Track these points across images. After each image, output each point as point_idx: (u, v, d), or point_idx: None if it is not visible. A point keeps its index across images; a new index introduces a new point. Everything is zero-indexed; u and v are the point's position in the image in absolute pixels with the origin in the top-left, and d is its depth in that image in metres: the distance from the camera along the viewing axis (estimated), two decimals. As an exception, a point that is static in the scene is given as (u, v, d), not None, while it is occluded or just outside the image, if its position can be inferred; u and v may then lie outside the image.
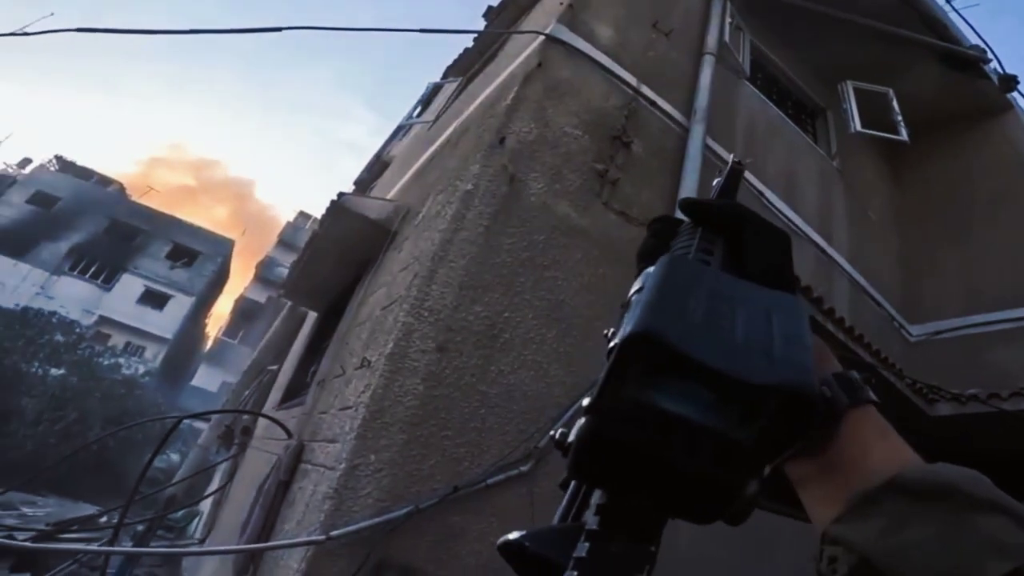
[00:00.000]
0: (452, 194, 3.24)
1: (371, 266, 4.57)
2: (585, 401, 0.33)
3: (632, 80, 4.21)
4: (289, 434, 3.88)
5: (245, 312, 31.02)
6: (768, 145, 5.61)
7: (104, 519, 7.60)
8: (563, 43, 3.93)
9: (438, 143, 5.12)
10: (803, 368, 0.31)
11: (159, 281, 26.89)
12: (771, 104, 5.96)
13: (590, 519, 0.34)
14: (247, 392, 10.77)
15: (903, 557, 0.35)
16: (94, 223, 27.01)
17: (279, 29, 3.98)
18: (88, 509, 12.14)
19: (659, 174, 3.97)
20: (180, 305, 26.71)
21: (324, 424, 3.16)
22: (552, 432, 0.36)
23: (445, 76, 9.25)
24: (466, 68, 8.91)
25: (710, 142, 4.38)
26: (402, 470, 2.47)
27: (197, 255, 28.75)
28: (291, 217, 36.46)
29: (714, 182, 0.59)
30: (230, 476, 6.73)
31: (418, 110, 9.46)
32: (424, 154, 5.89)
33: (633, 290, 0.46)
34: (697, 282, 0.36)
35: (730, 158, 0.60)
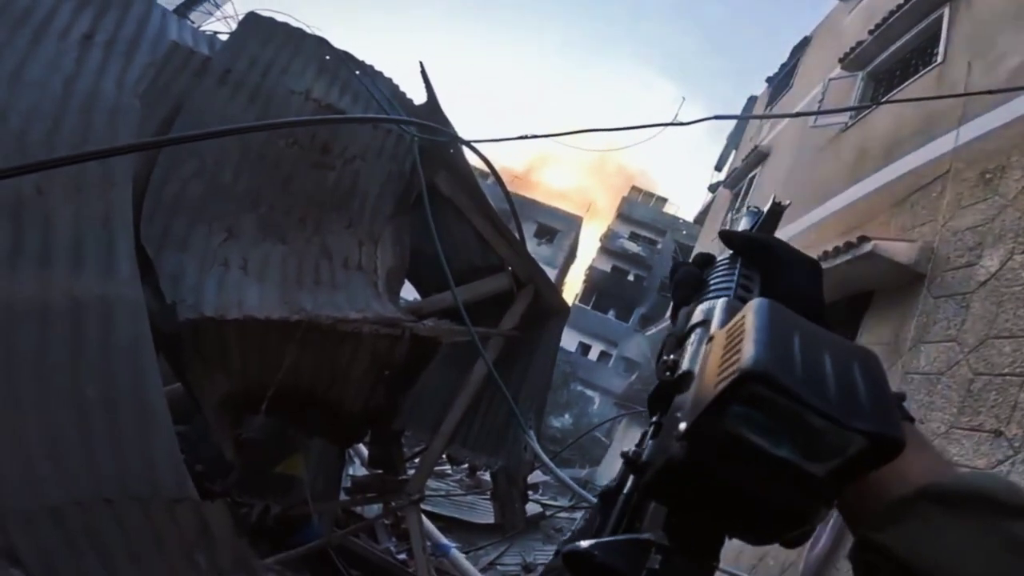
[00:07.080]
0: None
1: (884, 305, 5.04)
2: (682, 426, 0.34)
3: None
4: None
5: (594, 281, 34.91)
6: None
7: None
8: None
9: (910, 165, 5.34)
10: (894, 420, 0.32)
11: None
12: None
13: (654, 532, 0.36)
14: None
15: (941, 564, 0.35)
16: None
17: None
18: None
19: None
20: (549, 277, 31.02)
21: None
22: (625, 450, 0.40)
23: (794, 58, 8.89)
24: (865, 62, 8.51)
25: None
26: None
27: (556, 232, 33.44)
28: (624, 192, 39.20)
29: (743, 220, 0.61)
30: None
31: (819, 101, 9.55)
32: (869, 172, 6.05)
33: (694, 320, 0.48)
34: (793, 326, 0.36)
35: (771, 197, 0.63)
